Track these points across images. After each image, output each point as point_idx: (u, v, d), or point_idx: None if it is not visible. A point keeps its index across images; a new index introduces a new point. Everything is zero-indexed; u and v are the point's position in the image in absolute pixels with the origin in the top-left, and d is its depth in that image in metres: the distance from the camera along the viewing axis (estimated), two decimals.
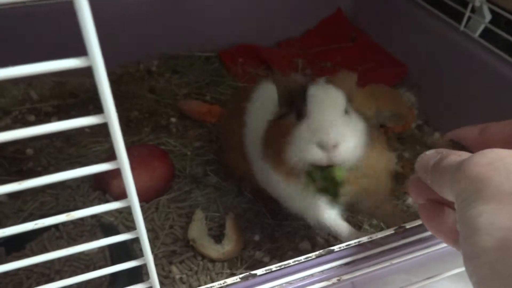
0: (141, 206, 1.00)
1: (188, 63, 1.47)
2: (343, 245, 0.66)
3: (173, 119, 1.27)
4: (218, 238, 0.94)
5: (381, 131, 1.27)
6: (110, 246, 0.88)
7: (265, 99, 0.92)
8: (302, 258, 0.63)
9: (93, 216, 0.93)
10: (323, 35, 1.61)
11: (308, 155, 0.66)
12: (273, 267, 0.62)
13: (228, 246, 0.89)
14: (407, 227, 0.70)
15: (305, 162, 0.68)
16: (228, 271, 0.91)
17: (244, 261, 0.93)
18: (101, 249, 0.89)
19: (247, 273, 0.61)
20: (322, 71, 1.48)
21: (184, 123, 1.27)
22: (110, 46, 1.44)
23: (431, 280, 0.74)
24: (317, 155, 0.65)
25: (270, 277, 0.61)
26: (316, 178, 0.67)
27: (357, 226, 1.02)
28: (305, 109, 0.68)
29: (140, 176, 0.97)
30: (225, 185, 1.08)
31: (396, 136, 1.26)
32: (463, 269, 0.40)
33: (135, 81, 1.40)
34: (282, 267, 0.62)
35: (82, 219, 0.92)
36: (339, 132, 0.65)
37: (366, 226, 1.02)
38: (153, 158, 1.01)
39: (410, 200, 1.09)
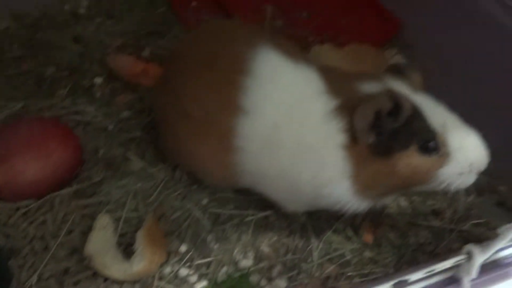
0: (28, 205, 0.78)
1: (127, 6, 1.16)
2: None
3: (98, 80, 1.00)
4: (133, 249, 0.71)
5: None
6: None
7: (293, 83, 0.66)
8: None
9: None
10: None
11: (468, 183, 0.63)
12: None
13: (138, 265, 0.67)
14: None
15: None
16: None
17: (162, 280, 0.71)
18: None
19: None
20: (296, 23, 1.19)
21: (113, 85, 1.00)
22: None
23: None
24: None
25: None
26: None
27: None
28: (433, 143, 0.61)
29: (27, 164, 0.72)
30: (153, 172, 0.83)
31: None
32: None
33: (56, 27, 1.10)
34: None
35: None
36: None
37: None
38: (49, 137, 0.75)
39: None
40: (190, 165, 0.78)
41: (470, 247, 0.42)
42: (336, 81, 0.66)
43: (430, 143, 0.60)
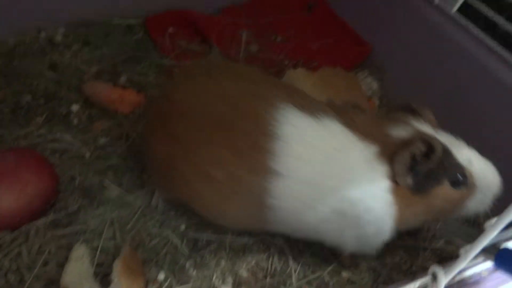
0: (2, 237, 0.76)
1: (104, 33, 1.17)
2: None
3: (75, 107, 1.00)
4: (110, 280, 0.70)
5: None
6: None
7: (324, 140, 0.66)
8: None
9: None
10: (276, 2, 1.34)
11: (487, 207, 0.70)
12: None
13: None
14: None
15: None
16: None
17: None
18: None
19: None
20: (271, 46, 1.22)
21: (90, 112, 1.00)
22: (1, 9, 1.16)
23: None
24: None
25: None
26: None
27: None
28: (463, 176, 0.67)
29: (1, 196, 0.72)
30: (130, 200, 0.83)
31: None
32: None
33: (32, 55, 1.10)
34: None
35: None
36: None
37: None
38: (23, 169, 0.75)
39: None
40: (212, 217, 0.76)
41: (434, 268, 0.44)
42: (365, 128, 0.68)
43: (460, 177, 0.66)
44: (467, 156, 0.67)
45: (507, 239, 0.44)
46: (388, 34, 1.13)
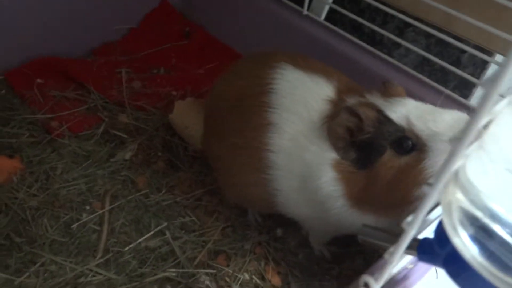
0: None
1: None
2: None
3: None
4: None
5: None
6: None
7: (301, 94, 0.66)
8: None
9: None
10: (151, 34, 1.29)
11: None
12: None
13: None
14: None
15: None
16: None
17: None
18: None
19: None
20: (155, 80, 1.16)
21: None
22: None
23: None
24: None
25: None
26: None
27: None
28: (405, 140, 0.58)
29: None
30: (21, 283, 0.71)
31: None
32: None
33: None
34: None
35: None
36: None
37: None
38: None
39: None
40: (239, 193, 0.78)
41: (365, 278, 0.42)
42: (340, 91, 0.66)
43: (404, 142, 0.57)
44: (404, 115, 0.58)
45: (423, 231, 0.45)
46: (268, 47, 1.15)
